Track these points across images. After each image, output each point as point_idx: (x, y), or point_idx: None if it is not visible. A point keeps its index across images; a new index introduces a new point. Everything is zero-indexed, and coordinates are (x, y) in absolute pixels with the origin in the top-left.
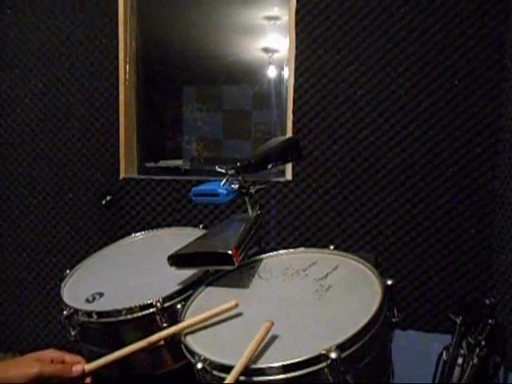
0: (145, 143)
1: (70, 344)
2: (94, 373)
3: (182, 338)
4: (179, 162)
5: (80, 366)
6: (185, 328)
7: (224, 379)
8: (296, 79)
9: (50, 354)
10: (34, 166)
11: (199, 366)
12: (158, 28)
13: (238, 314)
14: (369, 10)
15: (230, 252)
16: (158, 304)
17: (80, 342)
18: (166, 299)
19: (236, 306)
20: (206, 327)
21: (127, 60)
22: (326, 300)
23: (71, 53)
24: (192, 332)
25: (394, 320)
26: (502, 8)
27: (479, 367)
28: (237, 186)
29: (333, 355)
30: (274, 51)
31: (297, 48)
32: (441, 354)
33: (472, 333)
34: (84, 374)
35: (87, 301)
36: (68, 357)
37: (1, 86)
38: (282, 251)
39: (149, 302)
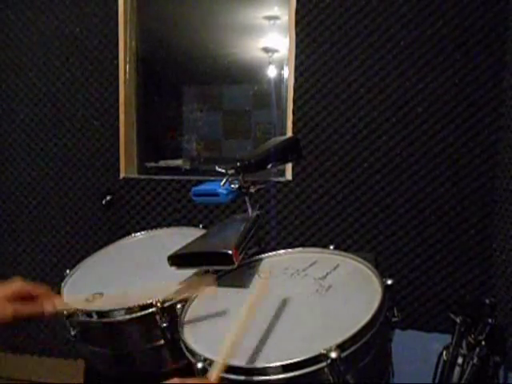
0: (145, 143)
1: (71, 344)
2: None
3: (181, 334)
4: (179, 162)
5: (50, 305)
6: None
7: (224, 379)
8: (296, 79)
9: (19, 289)
10: (33, 165)
11: (199, 365)
12: (158, 28)
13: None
14: (369, 10)
15: (229, 252)
16: (158, 304)
17: (80, 341)
18: (165, 299)
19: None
20: (206, 327)
21: (127, 60)
22: (326, 300)
23: (71, 53)
24: (192, 332)
25: (393, 320)
26: (502, 7)
27: (479, 367)
28: (237, 185)
29: (333, 355)
30: (273, 51)
31: (297, 48)
32: (441, 354)
33: (472, 333)
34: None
35: (87, 300)
36: (37, 290)
37: (1, 85)
38: (281, 251)
39: (149, 301)
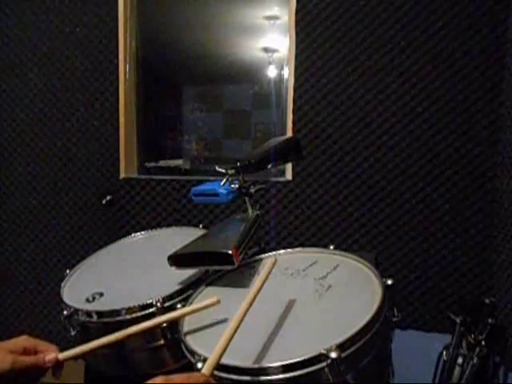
0: (145, 143)
1: (71, 344)
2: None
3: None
4: (179, 162)
5: (53, 355)
6: (161, 323)
7: (225, 379)
8: (296, 79)
9: (23, 342)
10: (33, 165)
11: (199, 365)
12: (158, 28)
13: None
14: (369, 10)
15: (229, 252)
16: (158, 304)
17: (80, 341)
18: (166, 299)
19: (218, 302)
20: (206, 327)
21: (127, 60)
22: (326, 300)
23: (71, 53)
24: (192, 332)
25: (393, 319)
26: (502, 7)
27: (479, 367)
28: (237, 185)
29: (333, 355)
30: (273, 51)
31: (297, 48)
32: (441, 354)
33: (472, 332)
34: (58, 363)
35: (87, 300)
36: (41, 345)
37: (1, 85)
38: (281, 251)
39: (149, 301)
